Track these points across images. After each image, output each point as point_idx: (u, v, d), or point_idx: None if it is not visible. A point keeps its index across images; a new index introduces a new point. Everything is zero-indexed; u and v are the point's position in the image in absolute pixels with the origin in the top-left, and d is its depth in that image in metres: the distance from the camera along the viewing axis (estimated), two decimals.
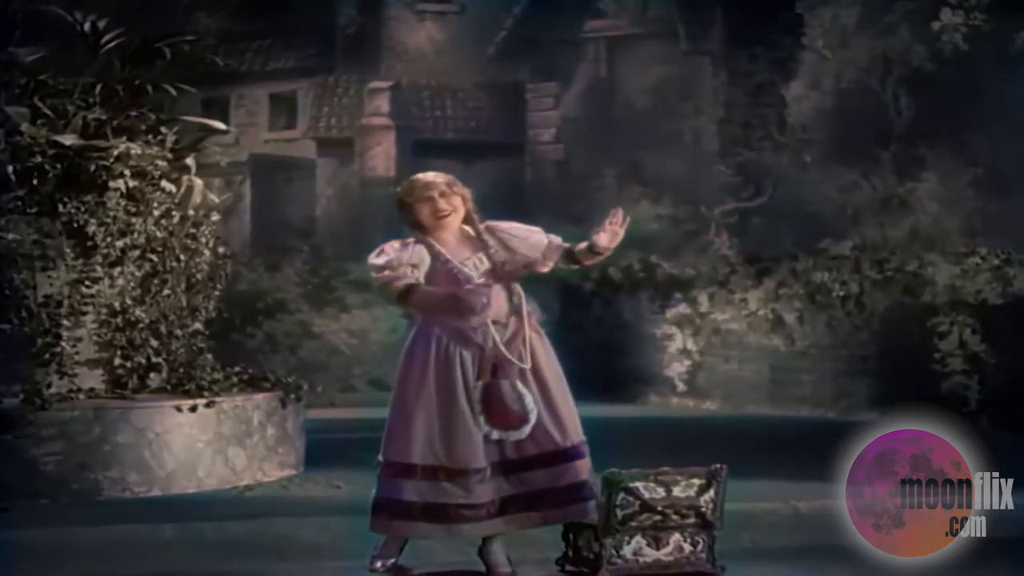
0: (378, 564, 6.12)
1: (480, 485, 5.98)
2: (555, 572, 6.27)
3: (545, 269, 6.31)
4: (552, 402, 6.08)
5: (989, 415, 12.09)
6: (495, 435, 6.01)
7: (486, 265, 6.13)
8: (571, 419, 6.11)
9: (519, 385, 6.03)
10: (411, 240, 6.14)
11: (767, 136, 17.32)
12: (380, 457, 6.11)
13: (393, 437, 6.08)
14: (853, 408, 12.94)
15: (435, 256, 6.11)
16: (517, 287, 6.16)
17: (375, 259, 6.10)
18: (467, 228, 6.21)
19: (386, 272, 6.07)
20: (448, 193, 6.14)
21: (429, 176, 6.20)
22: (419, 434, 6.00)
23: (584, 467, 6.08)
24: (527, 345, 6.08)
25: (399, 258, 6.08)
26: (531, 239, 6.25)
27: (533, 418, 6.03)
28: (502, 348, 6.02)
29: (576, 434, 6.10)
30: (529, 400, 6.03)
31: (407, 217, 6.17)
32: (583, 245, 6.23)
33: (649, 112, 18.07)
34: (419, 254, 6.11)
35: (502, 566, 6.13)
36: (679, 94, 17.95)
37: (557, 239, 6.29)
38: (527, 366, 6.06)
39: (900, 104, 16.48)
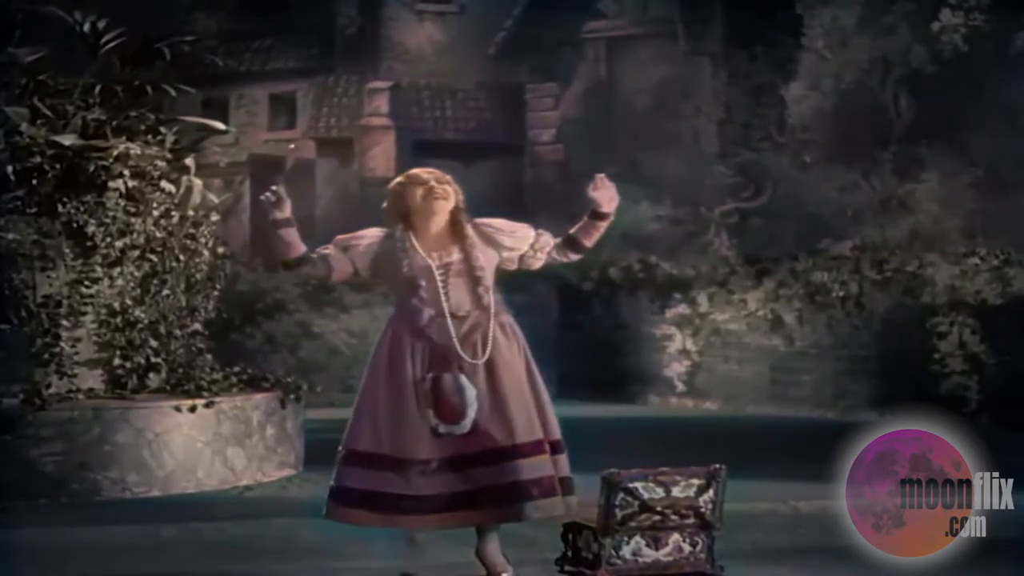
0: None
1: (421, 478, 5.95)
2: (555, 572, 6.26)
3: (537, 264, 6.31)
4: (501, 400, 6.02)
5: (989, 415, 12.09)
6: (441, 428, 5.99)
7: (454, 257, 6.11)
8: (523, 418, 6.01)
9: (462, 378, 5.99)
10: (393, 231, 6.17)
11: (767, 136, 17.31)
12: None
13: (349, 426, 6.15)
14: (853, 408, 12.94)
15: (403, 248, 6.11)
16: (488, 283, 6.13)
17: None
18: (452, 225, 6.21)
19: (339, 237, 6.23)
20: (442, 180, 6.20)
21: (426, 169, 6.29)
22: (367, 422, 6.05)
23: (528, 466, 5.95)
24: (486, 341, 6.07)
25: (363, 235, 6.21)
26: (517, 232, 6.27)
27: (472, 412, 5.97)
28: (455, 341, 6.01)
29: (526, 433, 5.99)
30: (470, 394, 5.98)
31: (398, 206, 6.19)
32: (580, 221, 6.27)
33: (649, 112, 18.07)
34: (372, 239, 6.17)
35: (500, 566, 6.12)
36: (679, 94, 17.95)
37: (547, 234, 6.30)
38: (478, 362, 6.04)
39: (900, 104, 16.47)
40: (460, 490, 5.99)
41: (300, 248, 6.16)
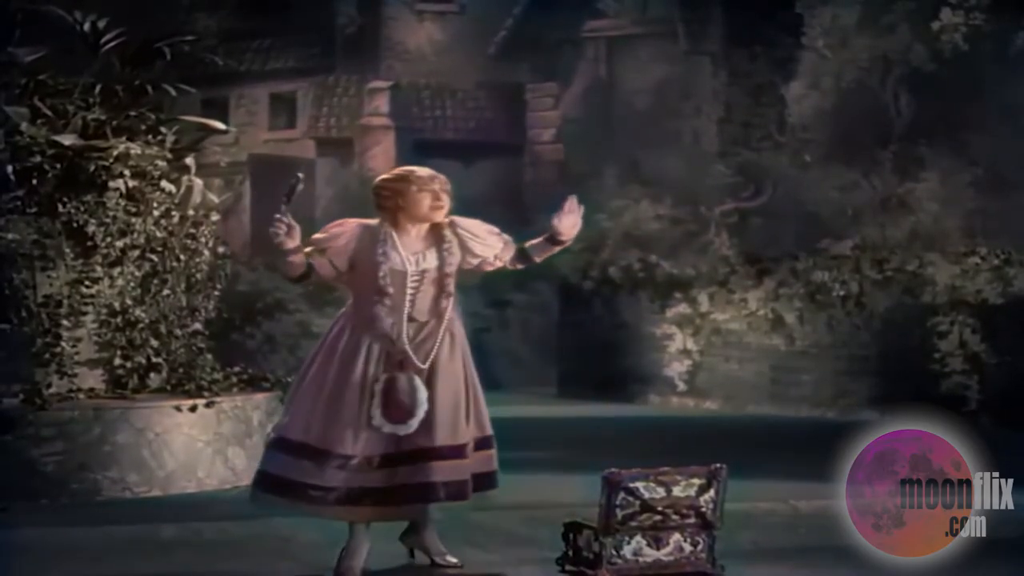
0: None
1: (336, 471, 5.99)
2: (555, 572, 6.26)
3: (488, 269, 6.34)
4: (431, 404, 6.06)
5: (989, 415, 12.09)
6: (386, 428, 6.02)
7: (431, 262, 6.11)
8: (448, 422, 6.07)
9: (416, 380, 6.04)
10: (374, 223, 6.14)
11: (767, 136, 17.32)
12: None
13: (285, 412, 6.23)
14: (853, 408, 12.95)
15: (383, 251, 6.08)
16: (451, 290, 6.14)
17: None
18: (434, 227, 6.19)
19: (315, 237, 6.16)
20: (444, 189, 6.16)
21: (429, 171, 6.21)
22: (302, 412, 6.09)
23: (443, 468, 6.02)
24: (436, 347, 6.09)
25: (339, 233, 6.12)
26: (488, 239, 6.26)
27: (420, 414, 6.02)
28: (407, 345, 6.04)
29: (449, 437, 6.05)
30: (422, 396, 6.03)
31: (394, 203, 6.12)
32: (538, 239, 6.30)
33: (649, 112, 18.08)
34: (348, 236, 6.12)
35: (441, 552, 6.19)
36: (679, 94, 17.96)
37: (511, 245, 6.31)
38: (423, 366, 6.07)
39: (900, 104, 16.47)
40: (375, 486, 6.04)
41: (304, 265, 6.15)
